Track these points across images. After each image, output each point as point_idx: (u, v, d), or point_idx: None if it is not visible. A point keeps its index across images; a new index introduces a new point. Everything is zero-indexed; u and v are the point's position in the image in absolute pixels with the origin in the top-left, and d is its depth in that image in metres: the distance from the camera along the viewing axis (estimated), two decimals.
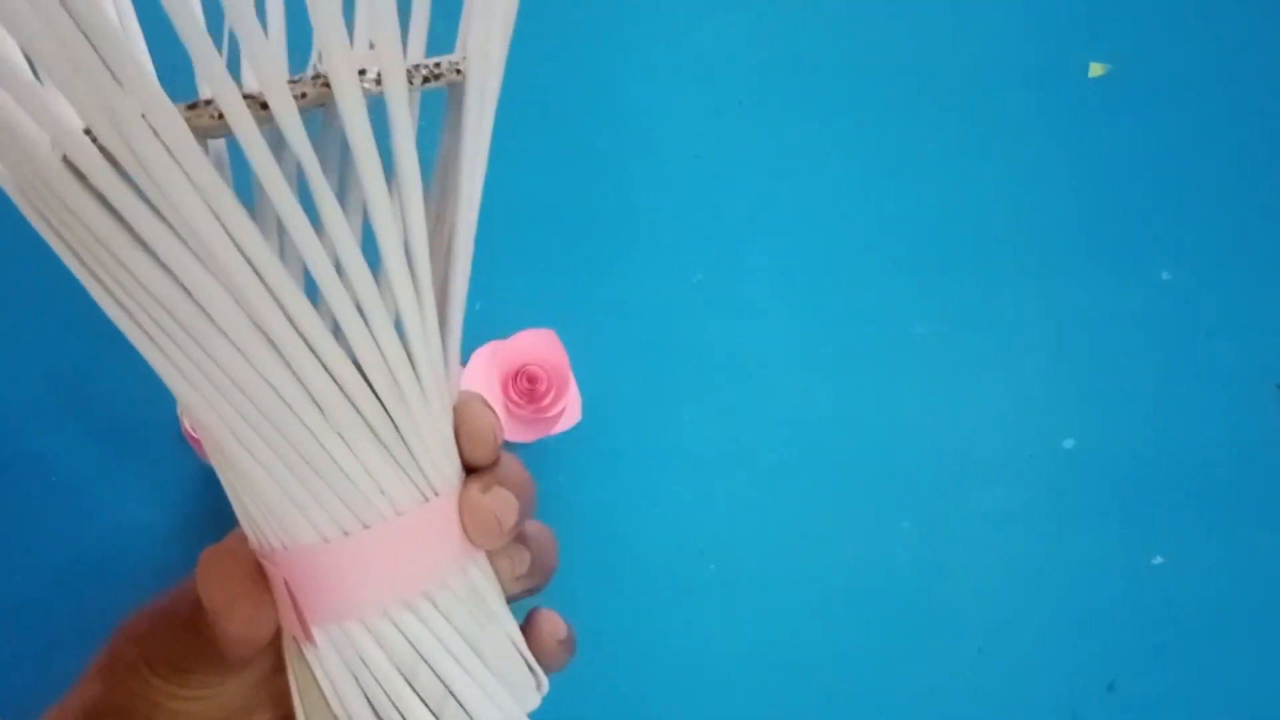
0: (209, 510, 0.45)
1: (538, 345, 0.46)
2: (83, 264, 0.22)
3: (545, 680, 0.27)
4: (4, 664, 0.43)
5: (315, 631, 0.25)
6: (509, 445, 0.46)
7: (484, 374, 0.46)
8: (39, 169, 0.20)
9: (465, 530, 0.26)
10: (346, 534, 0.24)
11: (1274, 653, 0.46)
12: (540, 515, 0.48)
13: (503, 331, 0.46)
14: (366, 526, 0.24)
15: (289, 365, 0.22)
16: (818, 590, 0.46)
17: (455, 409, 0.26)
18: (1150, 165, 0.49)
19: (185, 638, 0.27)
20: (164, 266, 0.21)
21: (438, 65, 0.22)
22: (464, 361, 0.46)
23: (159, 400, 0.44)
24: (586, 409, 0.46)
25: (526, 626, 0.28)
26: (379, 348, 0.23)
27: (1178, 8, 0.50)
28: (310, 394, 0.23)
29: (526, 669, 0.27)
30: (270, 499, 0.24)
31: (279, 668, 0.27)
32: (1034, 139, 0.49)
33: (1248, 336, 0.48)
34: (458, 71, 0.23)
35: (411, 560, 0.25)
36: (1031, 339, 0.47)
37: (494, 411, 0.27)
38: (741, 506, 0.46)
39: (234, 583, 0.26)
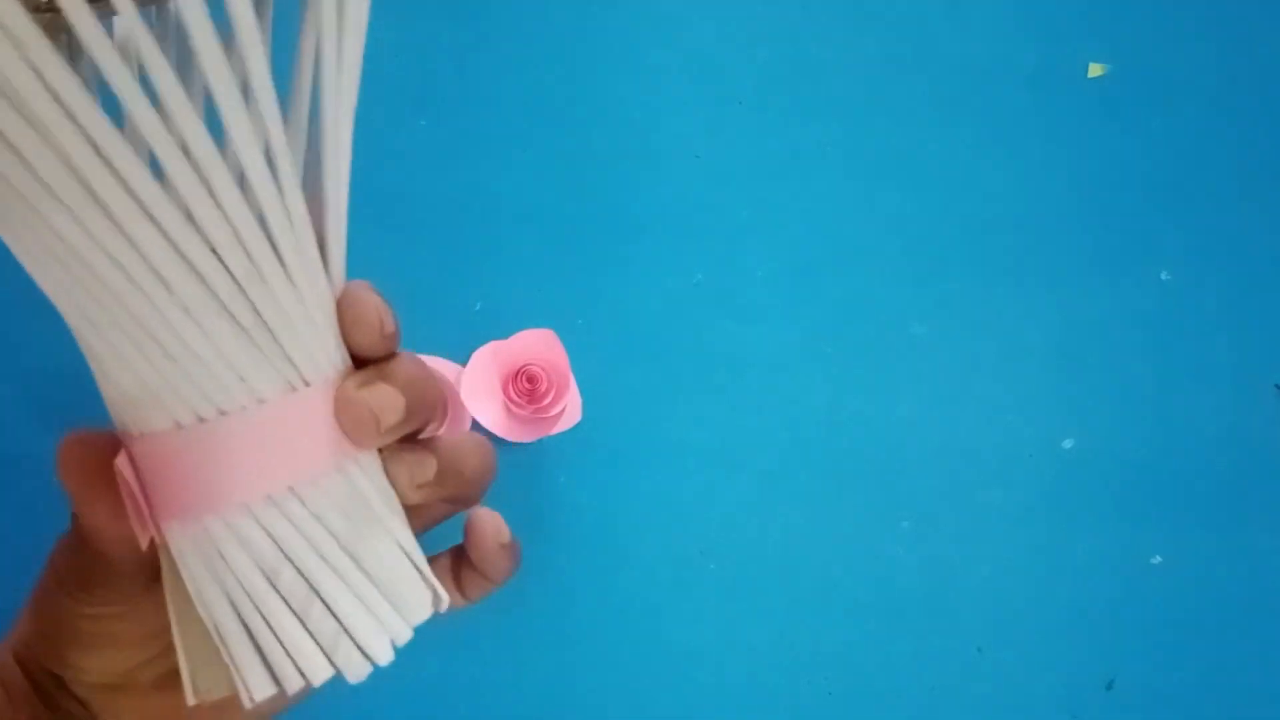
0: None
1: (538, 345, 0.46)
2: None
3: (444, 597, 0.25)
4: None
5: (174, 527, 0.23)
6: (508, 445, 0.46)
7: (484, 374, 0.46)
8: None
9: (340, 426, 0.24)
10: (201, 420, 0.23)
11: (1274, 653, 0.46)
12: (540, 515, 0.48)
13: (503, 331, 0.46)
14: (224, 413, 0.22)
15: (131, 240, 0.21)
16: (817, 590, 0.46)
17: (341, 295, 0.24)
18: (1150, 165, 0.49)
19: (84, 549, 0.25)
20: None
21: None
22: (464, 362, 0.46)
23: None
24: (586, 409, 0.46)
25: (467, 528, 0.26)
26: (231, 224, 0.21)
27: (1178, 8, 0.50)
28: (156, 271, 0.21)
29: (420, 581, 0.25)
30: (123, 382, 0.23)
31: None
32: (1033, 139, 0.49)
33: (1248, 336, 0.48)
34: None
35: (275, 452, 0.23)
36: (1031, 339, 0.47)
37: (382, 298, 0.24)
38: (741, 506, 0.46)
39: (90, 472, 0.24)
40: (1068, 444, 0.47)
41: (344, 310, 0.24)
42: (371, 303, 0.24)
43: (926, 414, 0.47)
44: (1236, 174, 0.49)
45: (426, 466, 0.25)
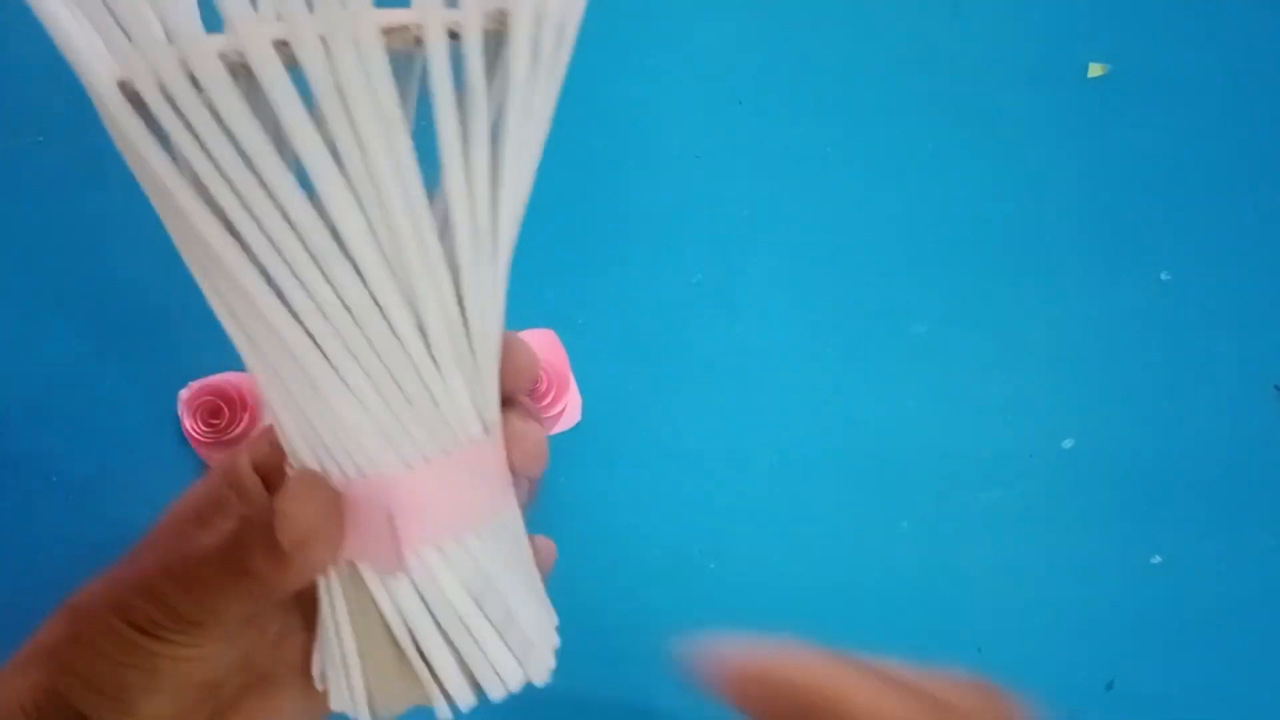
0: None
1: (538, 345, 0.46)
2: (182, 194, 0.23)
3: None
4: (3, 664, 0.43)
5: (386, 576, 0.26)
6: None
7: None
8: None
9: (511, 458, 0.27)
10: (428, 461, 0.25)
11: (1274, 653, 0.46)
12: (540, 514, 0.48)
13: None
14: (446, 454, 0.25)
15: (377, 301, 0.24)
16: (817, 590, 0.46)
17: (505, 345, 0.27)
18: (1150, 165, 0.49)
19: (173, 591, 0.27)
20: (272, 196, 0.22)
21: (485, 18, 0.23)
22: None
23: (159, 400, 0.44)
24: (586, 409, 0.46)
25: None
26: (439, 293, 0.25)
27: (1178, 8, 0.50)
28: (396, 325, 0.24)
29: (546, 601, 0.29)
30: (358, 428, 0.25)
31: (250, 622, 0.27)
32: (1034, 139, 0.49)
33: (1248, 336, 0.48)
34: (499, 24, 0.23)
35: (480, 486, 0.26)
36: (1031, 339, 0.47)
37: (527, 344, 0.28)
38: (741, 506, 0.46)
39: (327, 510, 0.26)
40: (1068, 444, 0.47)
41: (507, 358, 0.27)
42: (529, 352, 0.28)
43: (926, 414, 0.47)
44: (1236, 174, 0.49)
45: (526, 489, 0.29)
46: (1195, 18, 0.49)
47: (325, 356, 0.24)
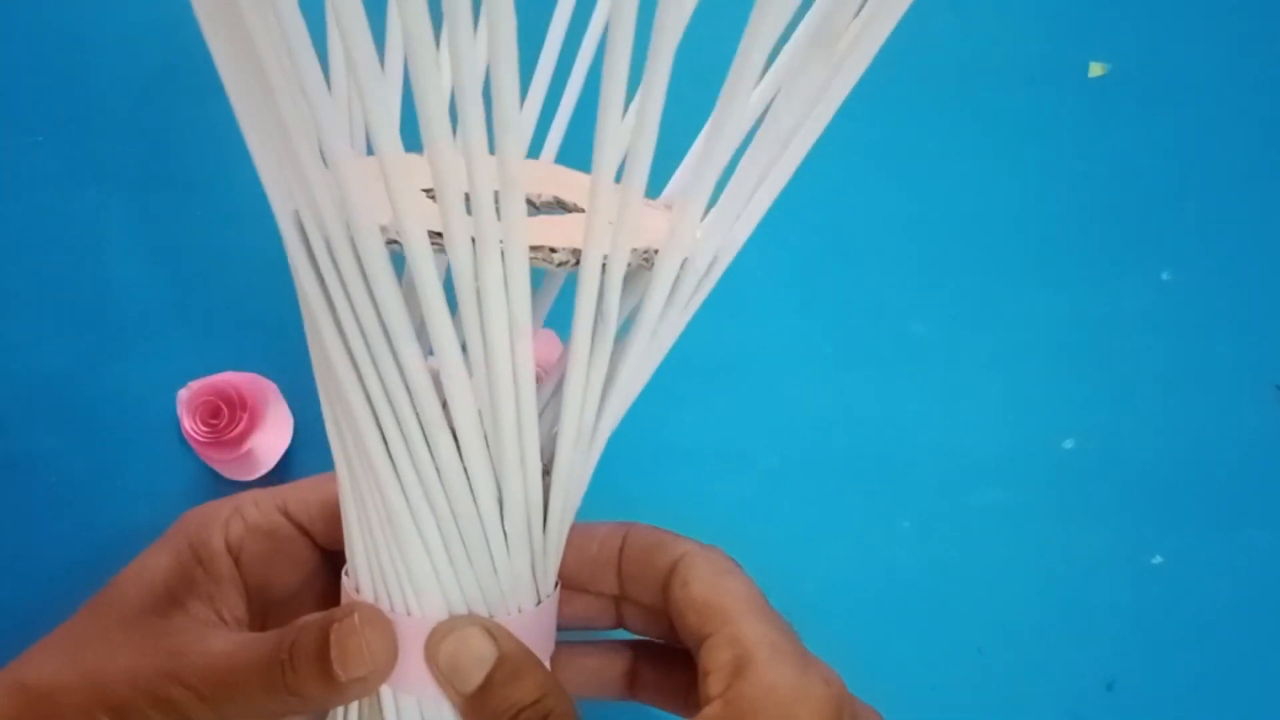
0: None
1: (538, 345, 0.46)
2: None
3: None
4: (4, 665, 0.43)
5: (401, 694, 0.28)
6: None
7: None
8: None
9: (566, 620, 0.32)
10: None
11: (1274, 653, 0.46)
12: None
13: None
14: (492, 617, 0.28)
15: (468, 472, 0.26)
16: (817, 590, 0.46)
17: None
18: (1150, 165, 0.49)
19: (191, 701, 0.28)
20: (396, 354, 0.25)
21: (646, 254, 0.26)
22: None
23: (159, 400, 0.44)
24: None
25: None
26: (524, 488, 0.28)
27: (1178, 8, 0.50)
28: (479, 496, 0.27)
29: None
30: (420, 573, 0.27)
31: None
32: (1034, 139, 0.49)
33: (1248, 336, 0.48)
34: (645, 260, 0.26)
35: (536, 645, 0.29)
36: (1031, 339, 0.47)
37: None
38: (741, 506, 0.46)
39: (389, 649, 0.27)
40: (1068, 444, 0.47)
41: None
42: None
43: (926, 414, 0.47)
44: (1237, 174, 0.49)
45: None
46: (1196, 18, 0.49)
47: (408, 502, 0.26)
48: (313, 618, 0.29)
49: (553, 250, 0.25)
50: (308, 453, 0.45)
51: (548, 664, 0.30)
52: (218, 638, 0.29)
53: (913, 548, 0.46)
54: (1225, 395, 0.47)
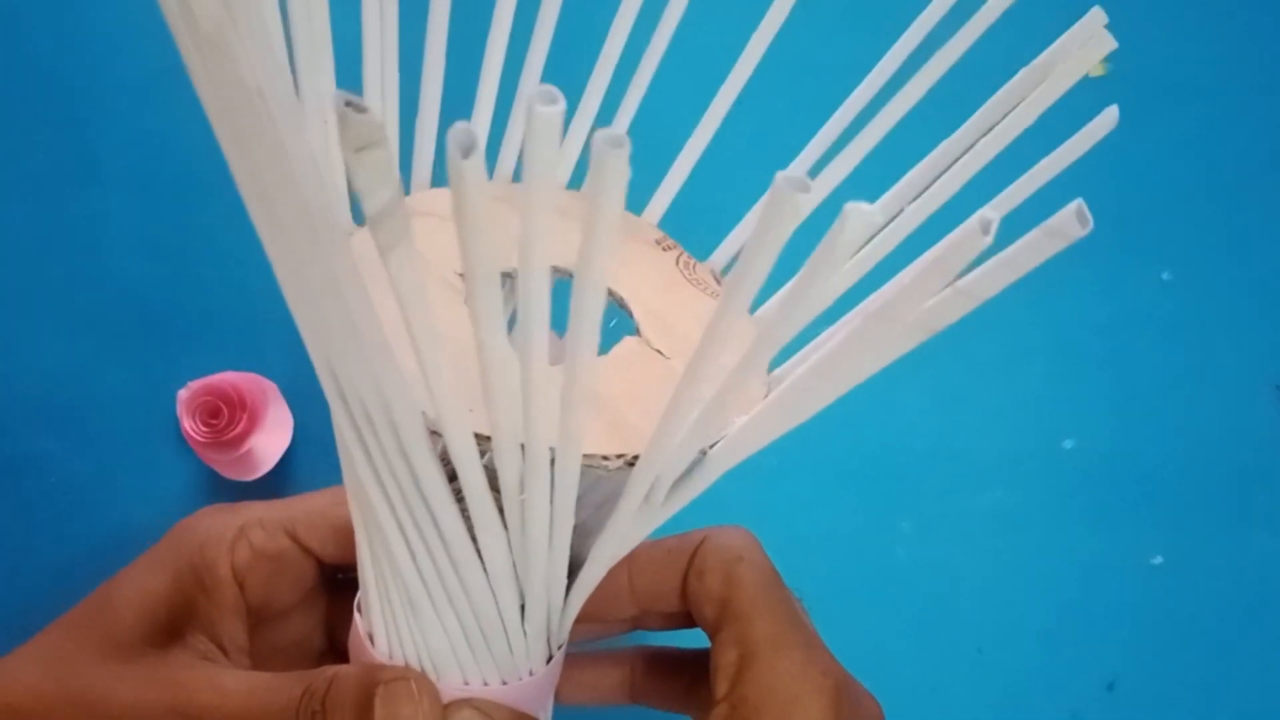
0: None
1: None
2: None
3: None
4: None
5: None
6: None
7: None
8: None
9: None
10: (486, 685, 0.28)
11: (1274, 653, 0.46)
12: None
13: None
14: (504, 684, 0.29)
15: (496, 598, 0.27)
16: (817, 590, 0.46)
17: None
18: (1150, 165, 0.49)
19: None
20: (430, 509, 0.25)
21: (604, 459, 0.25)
22: None
23: (159, 400, 0.44)
24: None
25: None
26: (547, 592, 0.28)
27: (1178, 8, 0.50)
28: (504, 613, 0.27)
29: None
30: (442, 653, 0.28)
31: None
32: (1034, 139, 0.49)
33: (1248, 337, 0.48)
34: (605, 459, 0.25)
35: (521, 702, 0.30)
36: (1031, 339, 0.47)
37: None
38: (742, 506, 0.46)
39: (433, 716, 0.28)
40: (1068, 444, 0.47)
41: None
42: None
43: (926, 414, 0.47)
44: (1237, 174, 0.49)
45: None
46: (1196, 18, 0.49)
47: (433, 605, 0.27)
48: (348, 672, 0.28)
49: (604, 458, 0.24)
50: (307, 453, 0.45)
51: (550, 706, 0.31)
52: (228, 676, 0.28)
53: (913, 548, 0.46)
54: (1225, 395, 0.47)
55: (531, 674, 0.29)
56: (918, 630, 0.46)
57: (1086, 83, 0.51)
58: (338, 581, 0.35)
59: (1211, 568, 0.46)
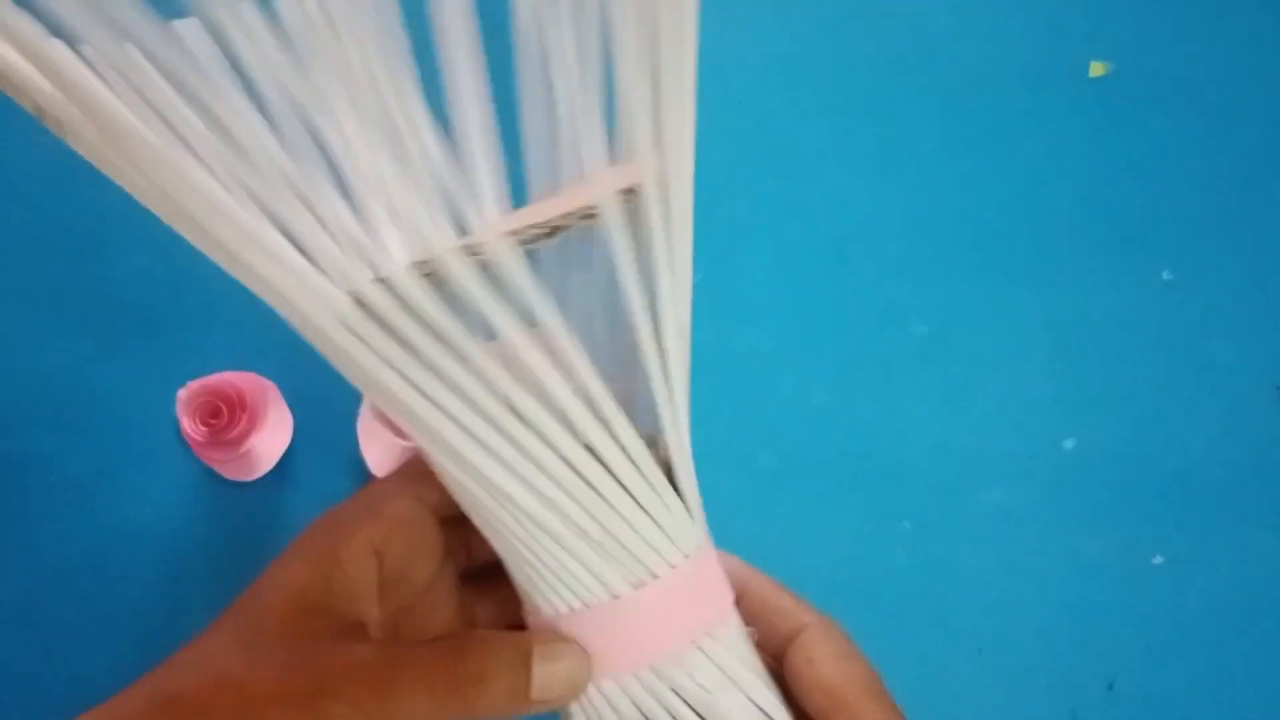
0: (209, 510, 0.45)
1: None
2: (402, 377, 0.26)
3: None
4: (4, 664, 0.43)
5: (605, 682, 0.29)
6: None
7: None
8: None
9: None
10: (635, 588, 0.28)
11: (1274, 653, 0.46)
12: None
13: None
14: (656, 576, 0.29)
15: (599, 455, 0.27)
16: (817, 590, 0.46)
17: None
18: (1150, 165, 0.49)
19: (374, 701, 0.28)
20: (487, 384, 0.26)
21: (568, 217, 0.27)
22: None
23: (159, 400, 0.44)
24: None
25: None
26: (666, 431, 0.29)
27: (1178, 8, 0.50)
28: (612, 473, 0.27)
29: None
30: (567, 567, 0.28)
31: None
32: (1034, 139, 0.49)
33: (1248, 337, 0.48)
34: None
35: (679, 614, 0.30)
36: (1031, 339, 0.47)
37: None
38: (742, 506, 0.46)
39: (583, 673, 0.29)
40: (1068, 444, 0.47)
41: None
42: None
43: (926, 414, 0.47)
44: (1237, 174, 0.49)
45: None
46: (1197, 17, 0.49)
47: (540, 500, 0.27)
48: (499, 638, 0.29)
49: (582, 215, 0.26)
50: (307, 453, 0.45)
51: (725, 607, 0.32)
52: (367, 648, 0.29)
53: (913, 548, 0.46)
54: (1225, 395, 0.47)
55: (686, 557, 0.29)
56: (918, 630, 0.46)
57: (1086, 82, 0.51)
58: (466, 572, 0.35)
59: (1211, 568, 0.46)
